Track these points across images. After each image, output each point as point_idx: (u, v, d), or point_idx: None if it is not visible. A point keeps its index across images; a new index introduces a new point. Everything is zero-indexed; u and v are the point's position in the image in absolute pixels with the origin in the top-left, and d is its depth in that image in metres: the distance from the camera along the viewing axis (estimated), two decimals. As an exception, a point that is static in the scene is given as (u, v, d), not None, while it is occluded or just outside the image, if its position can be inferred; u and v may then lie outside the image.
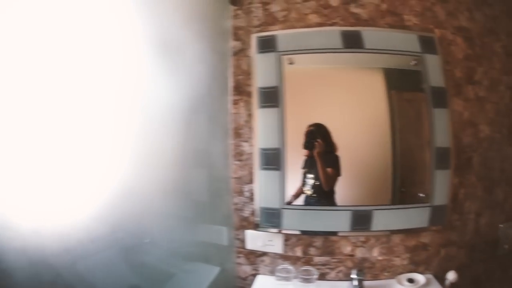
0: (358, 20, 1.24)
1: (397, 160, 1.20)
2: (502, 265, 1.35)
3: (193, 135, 1.19)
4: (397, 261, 1.25)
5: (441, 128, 1.21)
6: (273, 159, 1.21)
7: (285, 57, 1.22)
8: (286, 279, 1.21)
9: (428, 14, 1.25)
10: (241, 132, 1.27)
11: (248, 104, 1.26)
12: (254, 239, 1.28)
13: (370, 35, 1.22)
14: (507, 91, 1.31)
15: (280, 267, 1.22)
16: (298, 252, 1.27)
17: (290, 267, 1.22)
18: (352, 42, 1.22)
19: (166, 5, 1.12)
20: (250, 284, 1.25)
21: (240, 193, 1.28)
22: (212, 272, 1.27)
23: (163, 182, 1.12)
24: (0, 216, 0.67)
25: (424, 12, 1.25)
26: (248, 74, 1.26)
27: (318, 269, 1.23)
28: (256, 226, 1.27)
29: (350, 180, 1.22)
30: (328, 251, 1.25)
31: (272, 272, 1.26)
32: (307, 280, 1.19)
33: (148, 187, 1.10)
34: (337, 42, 1.22)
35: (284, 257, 1.28)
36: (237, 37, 1.28)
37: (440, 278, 1.19)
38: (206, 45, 1.18)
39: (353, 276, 1.17)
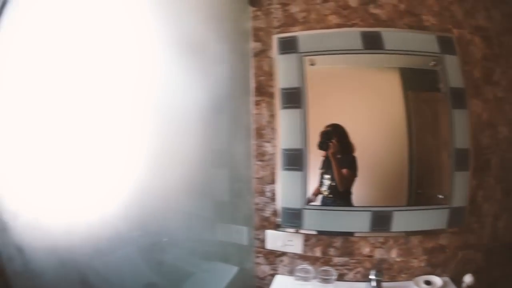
0: (377, 21, 1.21)
1: (414, 161, 1.17)
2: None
3: (214, 135, 1.17)
4: (415, 263, 1.21)
5: (460, 129, 1.18)
6: (296, 160, 1.20)
7: (307, 58, 1.20)
8: (305, 279, 1.18)
9: (445, 14, 1.21)
10: (263, 133, 1.25)
11: (270, 105, 1.23)
12: (274, 239, 1.26)
13: (390, 36, 1.19)
14: (526, 91, 1.27)
15: (299, 267, 1.20)
16: (318, 252, 1.24)
17: (309, 267, 1.19)
18: (372, 43, 1.19)
19: (187, 6, 1.10)
20: (268, 284, 1.23)
21: (262, 193, 1.26)
22: (231, 271, 1.25)
23: (183, 181, 1.10)
24: (29, 216, 0.65)
25: (442, 11, 1.21)
26: (269, 75, 1.24)
27: (336, 269, 1.20)
28: (276, 226, 1.24)
29: (367, 181, 1.19)
30: (347, 251, 1.22)
31: (290, 272, 1.23)
32: (326, 281, 1.17)
33: (168, 187, 1.08)
34: (358, 43, 1.19)
35: (303, 257, 1.25)
36: (257, 38, 1.26)
37: (457, 281, 1.16)
38: (227, 46, 1.17)
39: (372, 276, 1.13)
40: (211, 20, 1.14)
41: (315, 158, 1.19)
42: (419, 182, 1.20)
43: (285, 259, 1.27)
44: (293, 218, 1.22)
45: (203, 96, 1.08)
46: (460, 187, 1.18)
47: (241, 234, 1.28)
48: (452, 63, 1.19)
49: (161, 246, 1.19)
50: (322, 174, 1.20)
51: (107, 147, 0.89)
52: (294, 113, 1.20)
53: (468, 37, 1.22)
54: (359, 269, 1.22)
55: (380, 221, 1.18)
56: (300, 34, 1.22)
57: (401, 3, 1.20)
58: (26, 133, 0.71)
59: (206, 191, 1.18)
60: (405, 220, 1.18)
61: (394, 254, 1.21)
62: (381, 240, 1.21)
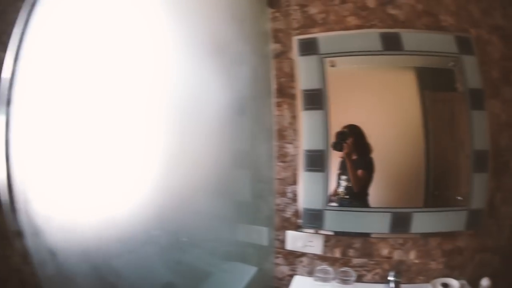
0: (396, 22, 1.18)
1: (431, 162, 1.14)
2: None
3: (236, 136, 1.15)
4: (433, 264, 1.18)
5: (478, 131, 1.14)
6: (317, 161, 1.18)
7: (327, 59, 1.18)
8: (324, 280, 1.15)
9: (463, 13, 1.17)
10: (285, 134, 1.23)
11: (291, 106, 1.21)
12: (295, 240, 1.23)
13: (409, 36, 1.16)
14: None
15: (319, 267, 1.17)
16: (337, 253, 1.21)
17: (329, 268, 1.16)
18: (392, 44, 1.16)
19: (208, 7, 1.08)
20: (287, 284, 1.20)
21: (283, 194, 1.24)
22: (249, 272, 1.22)
23: (203, 181, 1.08)
24: (62, 218, 0.63)
25: (459, 11, 1.17)
26: (290, 76, 1.21)
27: (355, 270, 1.17)
28: (297, 227, 1.22)
29: (383, 181, 1.17)
30: (367, 252, 1.19)
31: (309, 273, 1.21)
32: (345, 282, 1.14)
33: (189, 187, 1.06)
34: (377, 44, 1.16)
35: (322, 258, 1.22)
36: (277, 40, 1.23)
37: (474, 285, 1.12)
38: (248, 47, 1.14)
39: (391, 278, 1.10)
40: (232, 21, 1.11)
41: (337, 159, 1.17)
42: (436, 183, 1.17)
43: (304, 259, 1.24)
44: (314, 219, 1.20)
45: (225, 96, 1.06)
46: (478, 189, 1.14)
47: (261, 235, 1.25)
48: (470, 63, 1.16)
49: (180, 246, 1.17)
50: (339, 175, 1.18)
51: (130, 146, 0.87)
52: (316, 114, 1.18)
53: (485, 36, 1.18)
54: (378, 270, 1.19)
55: (400, 222, 1.15)
56: (319, 35, 1.19)
57: (418, 3, 1.17)
58: (54, 136, 0.69)
59: (228, 192, 1.16)
60: (424, 222, 1.15)
61: (412, 255, 1.18)
62: (400, 241, 1.18)
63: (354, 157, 1.15)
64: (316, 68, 1.18)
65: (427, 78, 1.16)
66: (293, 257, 1.25)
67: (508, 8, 1.20)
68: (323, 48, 1.18)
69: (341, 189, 1.18)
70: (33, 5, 0.68)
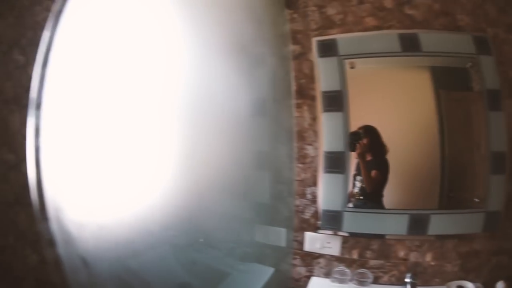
0: (413, 22, 1.15)
1: (446, 163, 1.11)
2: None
3: (255, 137, 1.13)
4: (449, 267, 1.16)
5: (496, 132, 1.11)
6: (337, 162, 1.15)
7: (347, 61, 1.15)
8: (341, 281, 1.13)
9: (479, 12, 1.13)
10: (305, 136, 1.20)
11: (311, 108, 1.18)
12: (313, 241, 1.21)
13: (426, 37, 1.13)
14: None
15: (336, 269, 1.15)
16: (355, 254, 1.19)
17: (347, 270, 1.14)
18: (410, 45, 1.13)
19: (227, 8, 1.05)
20: (304, 285, 1.19)
21: (302, 195, 1.21)
22: (267, 272, 1.21)
23: (222, 182, 1.06)
24: (94, 226, 0.61)
25: (475, 10, 1.13)
26: (310, 77, 1.18)
27: (372, 272, 1.15)
28: (316, 228, 1.20)
29: (398, 183, 1.14)
30: (384, 254, 1.17)
31: (326, 274, 1.19)
32: (362, 283, 1.12)
33: (207, 187, 1.04)
34: (396, 45, 1.13)
35: (339, 259, 1.20)
36: (296, 41, 1.20)
37: None
38: (267, 49, 1.11)
39: (407, 280, 1.09)
40: (250, 22, 1.09)
41: (354, 160, 1.15)
42: (451, 185, 1.14)
43: (322, 261, 1.22)
44: (333, 220, 1.17)
45: (244, 98, 1.04)
46: (496, 191, 1.11)
47: (280, 236, 1.23)
48: (487, 63, 1.12)
49: (197, 246, 1.15)
50: (354, 176, 1.16)
51: (152, 148, 0.85)
52: (336, 116, 1.15)
53: (502, 36, 1.14)
54: (394, 272, 1.17)
55: (418, 224, 1.12)
56: (338, 36, 1.16)
57: (435, 2, 1.14)
58: (81, 141, 0.67)
59: (247, 193, 1.14)
60: (441, 224, 1.12)
61: (428, 257, 1.16)
62: (416, 243, 1.16)
63: (368, 158, 1.13)
64: (335, 70, 1.15)
65: (444, 78, 1.14)
66: (310, 258, 1.23)
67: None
68: (342, 49, 1.15)
69: (356, 190, 1.16)
70: (59, 11, 0.66)
